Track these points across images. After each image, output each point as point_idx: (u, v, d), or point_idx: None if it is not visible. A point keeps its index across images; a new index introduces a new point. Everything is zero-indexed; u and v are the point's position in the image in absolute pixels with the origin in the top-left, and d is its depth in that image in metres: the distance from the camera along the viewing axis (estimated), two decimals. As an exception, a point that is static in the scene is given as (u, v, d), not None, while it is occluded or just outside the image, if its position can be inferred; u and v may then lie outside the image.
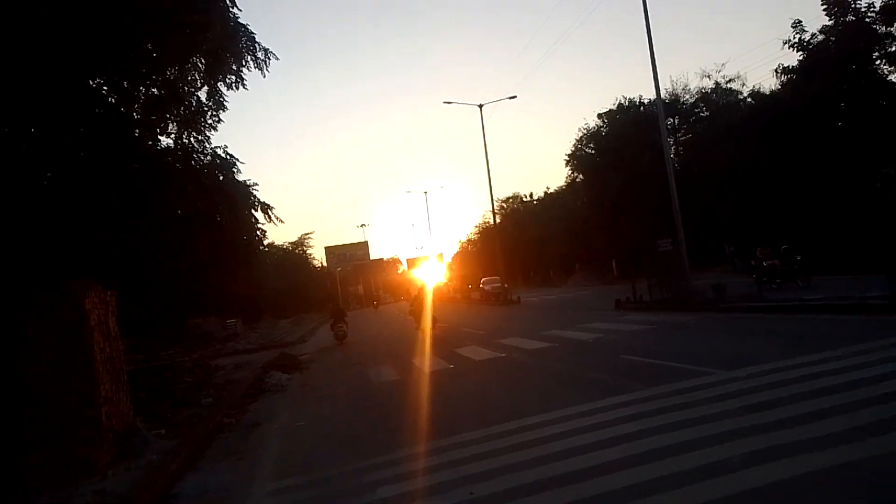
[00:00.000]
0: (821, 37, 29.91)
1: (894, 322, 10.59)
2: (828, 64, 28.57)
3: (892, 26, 27.52)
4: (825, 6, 29.39)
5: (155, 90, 17.49)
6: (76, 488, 6.68)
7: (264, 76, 17.87)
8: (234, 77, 17.39)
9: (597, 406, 7.59)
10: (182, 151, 18.06)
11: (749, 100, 41.55)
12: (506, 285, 42.32)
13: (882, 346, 8.52)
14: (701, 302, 17.89)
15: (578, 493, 4.83)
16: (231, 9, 16.77)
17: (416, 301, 26.37)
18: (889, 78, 28.91)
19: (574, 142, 54.29)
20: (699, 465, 5.02)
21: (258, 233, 21.59)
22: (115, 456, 7.70)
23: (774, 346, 10.09)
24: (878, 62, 29.07)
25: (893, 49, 28.07)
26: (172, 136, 18.13)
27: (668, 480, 4.80)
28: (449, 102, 40.10)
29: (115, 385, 8.38)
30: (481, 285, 48.08)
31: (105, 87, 16.42)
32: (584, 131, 52.66)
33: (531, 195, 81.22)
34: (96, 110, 15.75)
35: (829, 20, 29.50)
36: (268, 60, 17.68)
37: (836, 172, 26.68)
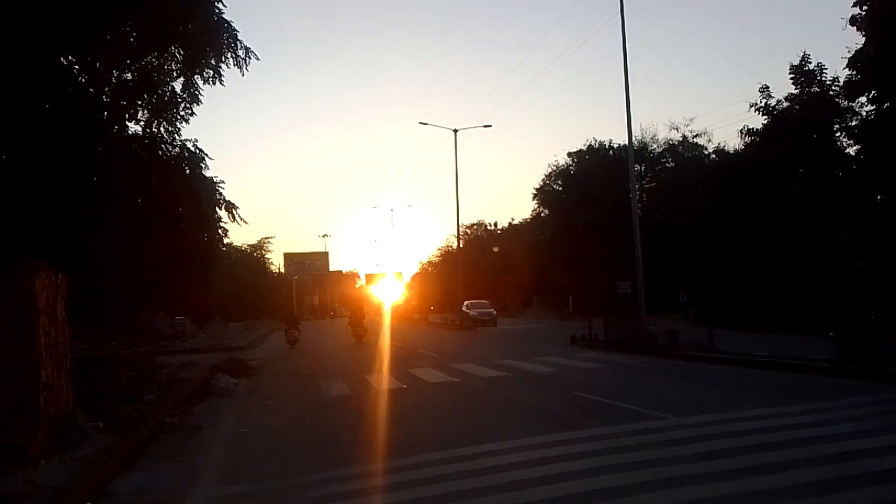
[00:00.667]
0: (786, 104, 31.12)
1: (839, 385, 10.87)
2: (790, 130, 29.68)
3: (853, 101, 28.79)
4: (792, 75, 30.63)
5: (129, 75, 17.13)
6: (5, 475, 6.34)
7: (243, 74, 17.72)
8: (212, 71, 17.19)
9: (550, 440, 7.57)
10: (150, 140, 17.69)
11: (713, 156, 42.84)
12: (494, 312, 40.57)
13: (828, 407, 8.77)
14: (654, 346, 18.15)
15: (531, 525, 4.79)
16: (216, 3, 16.61)
17: (355, 314, 29.88)
18: (847, 150, 30.16)
19: (543, 177, 55.22)
20: (652, 507, 5.04)
21: (220, 232, 21.22)
22: (49, 445, 7.35)
23: (724, 396, 10.30)
24: (837, 134, 30.34)
25: (853, 123, 29.32)
26: (142, 123, 17.77)
27: (621, 520, 4.79)
28: (424, 124, 40.38)
29: (58, 372, 8.03)
30: (465, 308, 40.70)
31: (77, 66, 16.01)
32: (554, 168, 53.59)
33: (496, 224, 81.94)
34: (65, 88, 15.33)
35: (795, 89, 30.73)
36: (248, 59, 17.55)
37: (792, 235, 27.59)
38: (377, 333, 32.32)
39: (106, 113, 16.78)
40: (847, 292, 12.96)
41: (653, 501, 5.17)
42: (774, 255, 27.82)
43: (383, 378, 14.83)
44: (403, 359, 19.21)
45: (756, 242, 29.10)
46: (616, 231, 34.89)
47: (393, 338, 30.72)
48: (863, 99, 27.99)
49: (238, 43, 17.20)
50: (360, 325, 28.62)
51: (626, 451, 6.85)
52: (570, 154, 51.03)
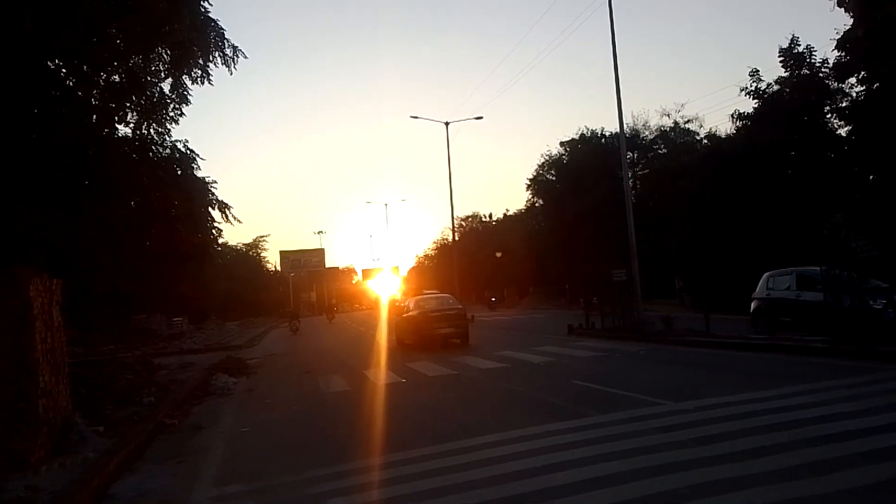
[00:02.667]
0: (776, 87, 31.22)
1: (835, 365, 10.95)
2: (781, 113, 29.79)
3: (843, 83, 28.88)
4: (782, 58, 30.71)
5: (116, 77, 17.05)
6: (6, 482, 6.35)
7: (231, 73, 17.64)
8: (199, 71, 17.11)
9: (549, 429, 7.62)
10: (140, 142, 17.62)
11: (705, 141, 42.91)
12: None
13: (824, 388, 8.82)
14: (651, 333, 18.23)
15: (531, 515, 4.83)
16: (202, 2, 16.52)
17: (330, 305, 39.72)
18: (838, 132, 30.27)
19: (536, 167, 55.21)
20: (649, 493, 5.08)
21: (213, 232, 21.18)
22: (49, 451, 7.37)
23: (721, 380, 10.34)
24: (828, 115, 30.44)
25: (844, 105, 29.42)
26: (131, 125, 17.69)
27: (620, 507, 4.84)
28: (415, 117, 40.25)
29: (55, 377, 8.04)
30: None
31: (64, 70, 15.93)
32: (547, 158, 53.57)
33: (490, 216, 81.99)
34: (53, 92, 15.26)
35: (785, 72, 30.84)
36: (236, 58, 17.48)
37: (785, 217, 27.71)
38: (374, 328, 32.67)
39: (95, 116, 16.70)
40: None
41: (652, 487, 5.20)
42: (768, 239, 27.93)
43: (382, 373, 14.87)
44: (402, 353, 19.24)
45: (750, 226, 29.22)
46: (610, 219, 34.94)
47: (391, 332, 30.78)
48: (852, 80, 28.14)
49: (225, 41, 17.13)
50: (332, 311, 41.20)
51: (625, 438, 6.90)
52: (562, 143, 51.05)
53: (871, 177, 28.48)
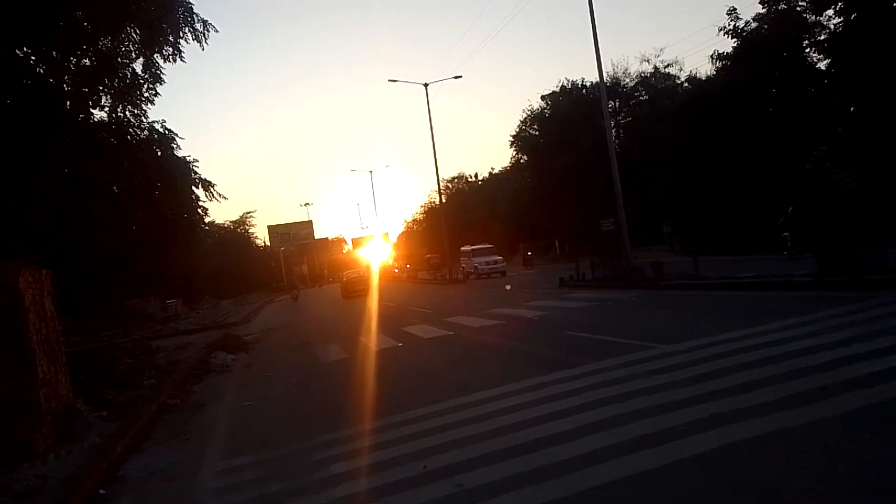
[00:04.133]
0: (754, 24, 30.97)
1: (820, 297, 11.14)
2: (760, 51, 29.62)
3: (821, 15, 28.67)
4: (760, -6, 30.41)
5: (87, 61, 16.76)
6: (15, 472, 6.45)
7: (203, 49, 17.37)
8: (171, 49, 16.82)
9: (544, 380, 7.76)
10: (117, 125, 17.41)
11: (686, 84, 42.74)
12: (502, 260, 36.79)
13: (812, 320, 9.00)
14: (641, 280, 18.44)
15: (530, 462, 4.96)
16: (167, -23, 16.13)
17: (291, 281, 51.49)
18: (818, 65, 30.16)
19: (518, 123, 54.89)
20: (646, 433, 5.23)
21: (199, 210, 21.06)
22: (55, 439, 7.47)
23: (711, 321, 10.53)
24: (807, 50, 30.29)
25: (822, 38, 29.25)
26: (106, 109, 17.47)
27: (617, 448, 4.97)
28: (394, 80, 39.69)
29: (54, 367, 8.09)
30: (470, 259, 36.92)
31: (33, 57, 15.62)
32: (529, 113, 53.19)
33: (476, 175, 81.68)
34: (24, 81, 14.99)
35: (763, 8, 30.55)
36: (207, 32, 17.16)
37: (769, 155, 27.79)
38: (367, 294, 33.00)
39: (69, 102, 16.45)
40: (825, 207, 13.14)
41: (650, 427, 5.34)
42: (753, 177, 28.06)
43: (378, 338, 15.01)
44: (396, 318, 19.41)
45: (734, 166, 29.32)
46: (595, 170, 34.93)
47: (384, 298, 30.96)
48: (830, 12, 27.91)
49: (195, 16, 16.79)
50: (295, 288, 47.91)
51: (619, 382, 7.05)
52: (543, 97, 50.67)
53: (851, 108, 28.51)
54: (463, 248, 40.10)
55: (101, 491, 6.06)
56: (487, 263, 36.45)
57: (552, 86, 53.66)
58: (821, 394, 5.57)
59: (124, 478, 6.54)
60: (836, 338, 7.62)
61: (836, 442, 4.52)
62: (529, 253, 43.96)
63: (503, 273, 35.87)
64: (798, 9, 29.60)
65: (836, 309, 9.57)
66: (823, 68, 29.86)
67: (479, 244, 39.58)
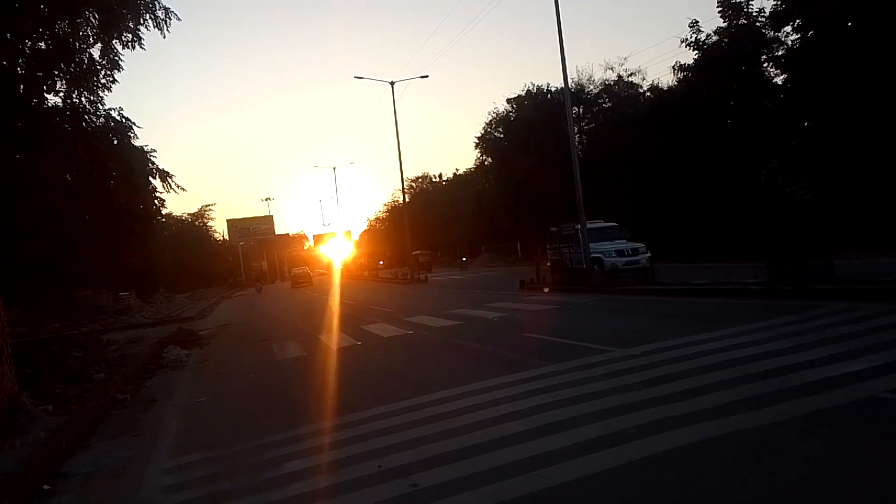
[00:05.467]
0: (715, 38, 31.71)
1: (772, 306, 11.46)
2: (720, 64, 30.35)
3: (780, 31, 29.50)
4: (720, 8, 31.15)
5: (42, 45, 16.28)
6: (-48, 467, 6.21)
7: (164, 37, 17.04)
8: (130, 35, 16.46)
9: (501, 381, 7.80)
10: (71, 111, 16.97)
11: (648, 94, 43.43)
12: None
13: (763, 328, 9.24)
14: (599, 284, 18.70)
15: (484, 463, 4.98)
16: (129, -38, 15.76)
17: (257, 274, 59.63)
18: (774, 80, 31.03)
19: (484, 125, 55.17)
20: (599, 435, 5.30)
21: (155, 201, 20.68)
22: (-4, 433, 7.21)
23: (666, 325, 10.72)
24: (765, 64, 31.14)
25: (780, 53, 30.10)
26: (61, 94, 17.01)
27: (570, 450, 5.03)
28: (360, 77, 39.55)
29: (-3, 359, 7.81)
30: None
31: (-15, 39, 15.09)
32: (494, 115, 53.50)
33: (440, 176, 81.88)
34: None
35: (724, 22, 31.31)
36: (168, 20, 16.84)
37: (725, 166, 28.48)
38: (328, 293, 32.70)
39: (22, 86, 15.93)
40: (776, 218, 13.52)
41: (601, 429, 5.42)
42: (709, 187, 28.73)
43: (337, 336, 14.90)
44: (356, 316, 19.30)
45: (692, 176, 29.98)
46: (558, 174, 35.23)
47: (344, 296, 30.76)
48: (788, 28, 28.74)
49: (156, 3, 16.45)
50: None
51: (574, 385, 7.14)
52: (509, 100, 50.97)
53: (805, 123, 29.41)
54: (414, 253, 44.45)
55: (46, 486, 5.88)
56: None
57: (518, 89, 54.13)
58: (770, 399, 5.72)
59: (69, 473, 6.35)
60: (784, 345, 7.84)
61: (784, 446, 4.65)
62: (464, 258, 55.07)
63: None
64: (758, 24, 30.41)
65: (786, 317, 9.86)
66: (780, 83, 30.75)
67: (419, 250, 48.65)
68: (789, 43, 29.40)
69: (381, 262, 60.11)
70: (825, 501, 3.78)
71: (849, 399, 5.48)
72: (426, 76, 46.27)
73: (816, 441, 4.68)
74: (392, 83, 38.28)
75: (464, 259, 55.01)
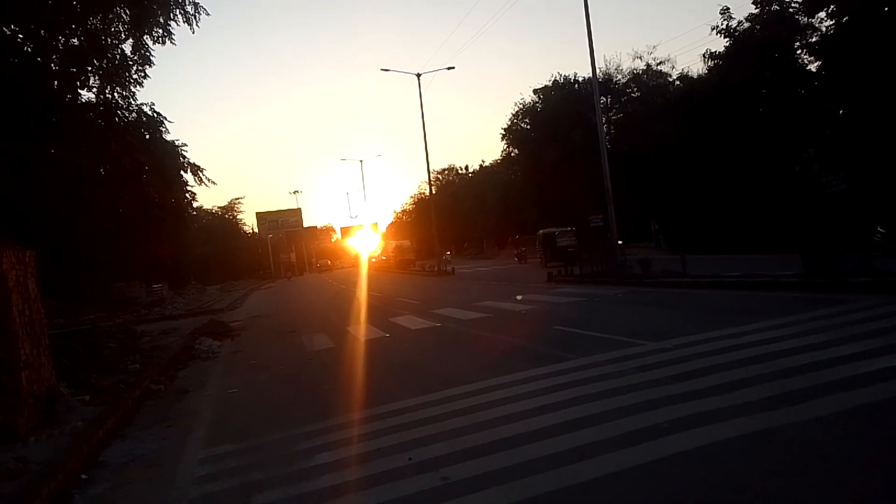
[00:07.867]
0: (746, 24, 30.99)
1: (806, 298, 11.22)
2: (752, 51, 29.66)
3: (813, 17, 28.74)
4: (752, -6, 30.42)
5: (75, 41, 16.53)
6: (-5, 456, 6.38)
7: (193, 31, 17.17)
8: (161, 30, 16.62)
9: (531, 374, 7.77)
10: (104, 107, 17.20)
11: (678, 83, 42.76)
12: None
13: (797, 321, 9.04)
14: (629, 276, 18.50)
15: (516, 457, 4.96)
16: (159, -41, 15.91)
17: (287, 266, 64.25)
18: (808, 67, 30.28)
19: (510, 116, 54.73)
20: (631, 430, 5.24)
21: (187, 195, 20.95)
22: (37, 422, 7.39)
23: (697, 318, 10.57)
24: (798, 51, 30.38)
25: (814, 40, 29.34)
26: (94, 90, 17.24)
27: (602, 445, 4.99)
28: (386, 70, 39.55)
29: (37, 349, 8.00)
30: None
31: (21, 35, 15.38)
32: (521, 106, 53.08)
33: (467, 167, 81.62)
34: (11, 59, 14.77)
35: (756, 8, 30.58)
36: (198, 15, 16.96)
37: (758, 155, 27.91)
38: (355, 284, 32.93)
39: (56, 82, 16.22)
40: (811, 209, 13.24)
41: (633, 424, 5.36)
42: (742, 178, 28.18)
43: (366, 328, 14.98)
44: (384, 308, 19.37)
45: (723, 166, 29.42)
46: (586, 165, 34.91)
47: (372, 288, 30.92)
48: (822, 14, 27.97)
49: (186, -1, 16.57)
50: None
51: (606, 378, 7.07)
52: (535, 91, 50.52)
53: (840, 111, 28.67)
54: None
55: (83, 476, 6.01)
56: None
57: (544, 80, 53.79)
58: (805, 394, 5.60)
59: (106, 463, 6.49)
60: (820, 339, 7.67)
61: (817, 443, 4.55)
62: (448, 252, 47.29)
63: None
64: (790, 10, 29.67)
65: (821, 311, 9.65)
66: (814, 70, 30.00)
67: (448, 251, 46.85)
68: (823, 29, 28.64)
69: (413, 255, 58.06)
70: (861, 498, 3.70)
71: (886, 395, 5.35)
72: (452, 68, 46.00)
73: (852, 437, 4.57)
74: (418, 75, 38.28)
75: (448, 253, 47.04)
